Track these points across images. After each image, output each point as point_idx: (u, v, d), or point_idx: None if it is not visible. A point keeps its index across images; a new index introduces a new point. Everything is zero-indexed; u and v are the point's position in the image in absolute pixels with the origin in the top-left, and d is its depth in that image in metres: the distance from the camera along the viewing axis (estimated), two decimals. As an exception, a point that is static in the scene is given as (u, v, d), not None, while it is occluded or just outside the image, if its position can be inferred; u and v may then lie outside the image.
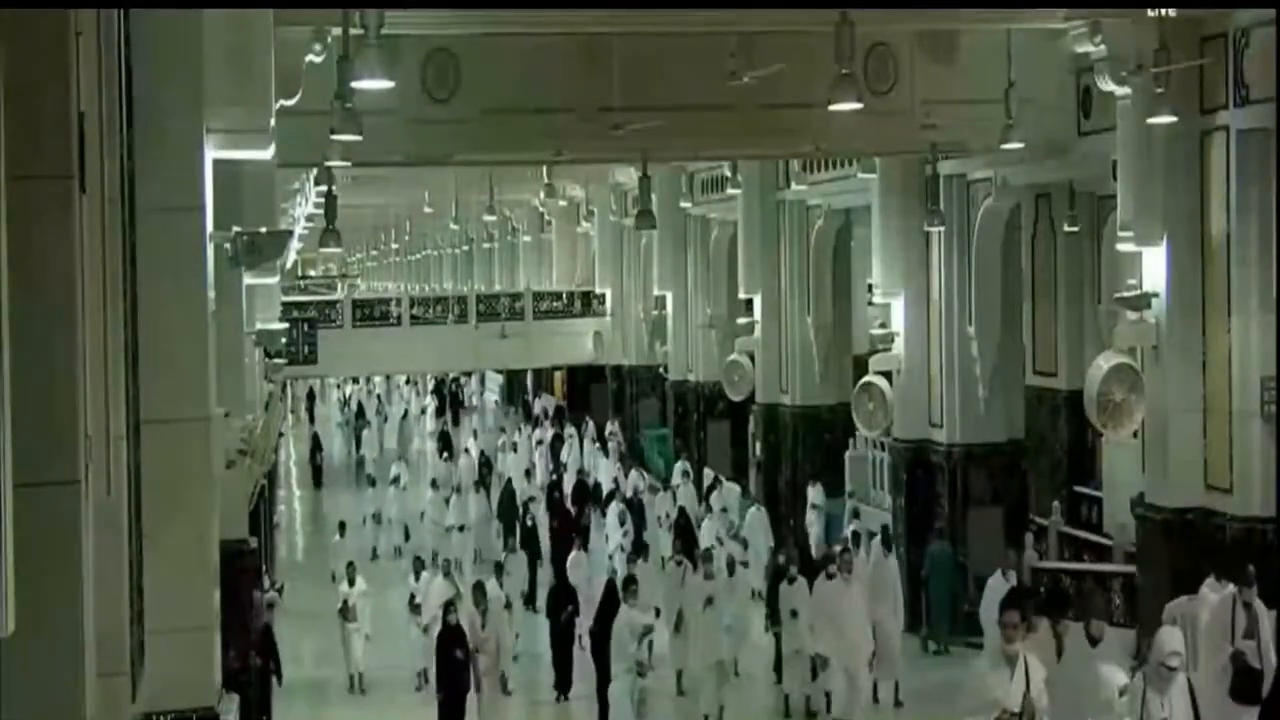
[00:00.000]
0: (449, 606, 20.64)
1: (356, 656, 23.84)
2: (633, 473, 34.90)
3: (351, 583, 24.18)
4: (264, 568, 21.97)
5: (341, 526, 31.02)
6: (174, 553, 8.61)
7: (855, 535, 25.80)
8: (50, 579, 5.35)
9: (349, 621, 23.79)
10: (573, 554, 26.11)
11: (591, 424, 42.95)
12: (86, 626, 5.59)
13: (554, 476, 37.79)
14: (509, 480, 36.12)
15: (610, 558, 28.75)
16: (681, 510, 30.76)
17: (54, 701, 5.44)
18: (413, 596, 23.88)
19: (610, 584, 22.16)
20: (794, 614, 20.60)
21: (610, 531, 30.05)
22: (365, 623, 23.92)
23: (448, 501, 34.24)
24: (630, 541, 28.67)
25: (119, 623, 7.10)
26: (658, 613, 22.00)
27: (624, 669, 19.72)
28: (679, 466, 34.44)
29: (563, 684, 22.40)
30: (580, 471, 37.15)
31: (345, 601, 23.92)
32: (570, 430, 43.09)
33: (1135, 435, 19.80)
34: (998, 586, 19.62)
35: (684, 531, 28.24)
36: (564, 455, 40.60)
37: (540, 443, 42.80)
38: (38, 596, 5.09)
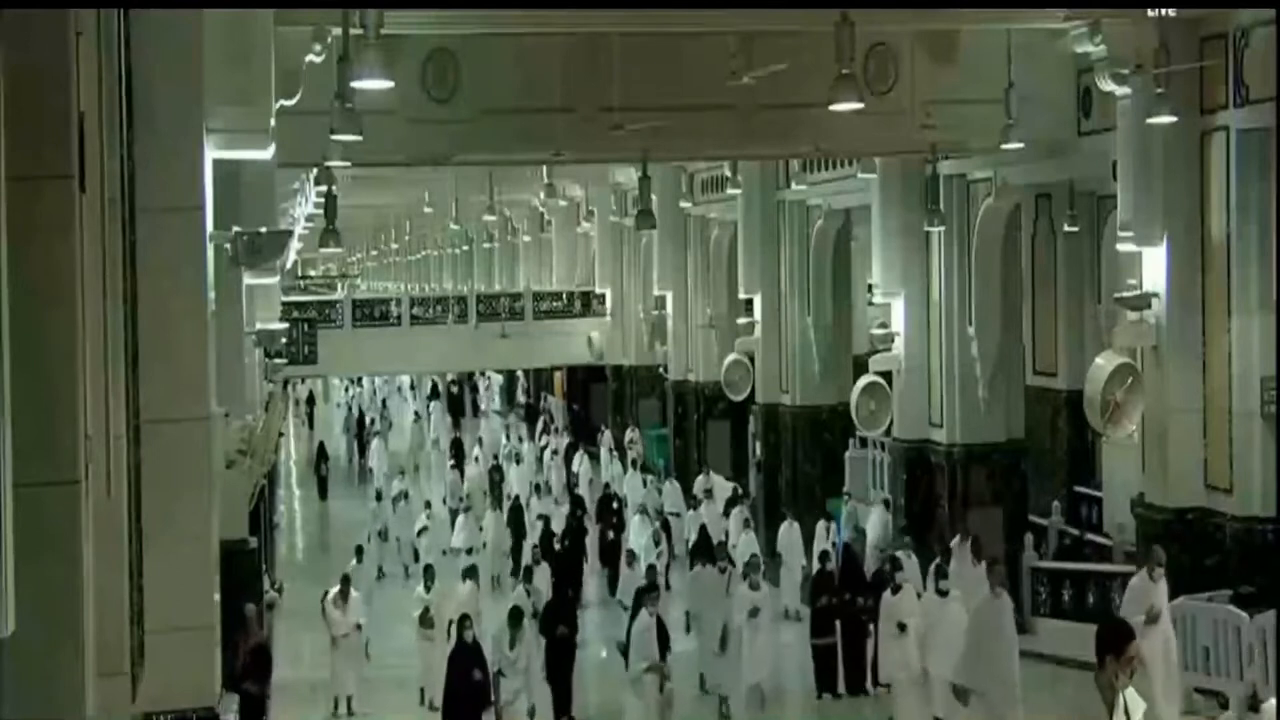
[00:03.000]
0: (464, 621, 18.69)
1: (345, 677, 21.73)
2: (666, 486, 32.99)
3: (345, 595, 21.81)
4: (264, 568, 21.72)
5: (359, 551, 27.62)
6: (174, 553, 8.60)
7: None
8: (50, 579, 5.34)
9: (338, 637, 21.62)
10: (625, 571, 25.02)
11: (608, 433, 41.38)
12: (86, 626, 5.59)
13: (574, 491, 35.17)
14: (516, 497, 33.34)
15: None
16: (702, 529, 28.02)
17: (54, 701, 5.43)
18: (426, 610, 21.79)
19: (640, 595, 20.17)
20: (901, 628, 18.66)
21: (644, 552, 27.34)
22: (358, 639, 21.86)
23: (454, 515, 32.95)
24: (664, 563, 26.44)
25: (119, 623, 7.09)
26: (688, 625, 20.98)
27: (643, 669, 18.29)
28: (700, 481, 32.45)
29: (561, 705, 20.39)
30: (605, 486, 34.40)
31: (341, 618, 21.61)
32: (569, 439, 41.88)
33: (1134, 435, 19.80)
34: (1141, 588, 16.61)
35: (702, 551, 25.05)
36: (576, 466, 38.47)
37: (555, 452, 40.79)
38: (38, 596, 5.09)
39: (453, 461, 40.59)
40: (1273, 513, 17.07)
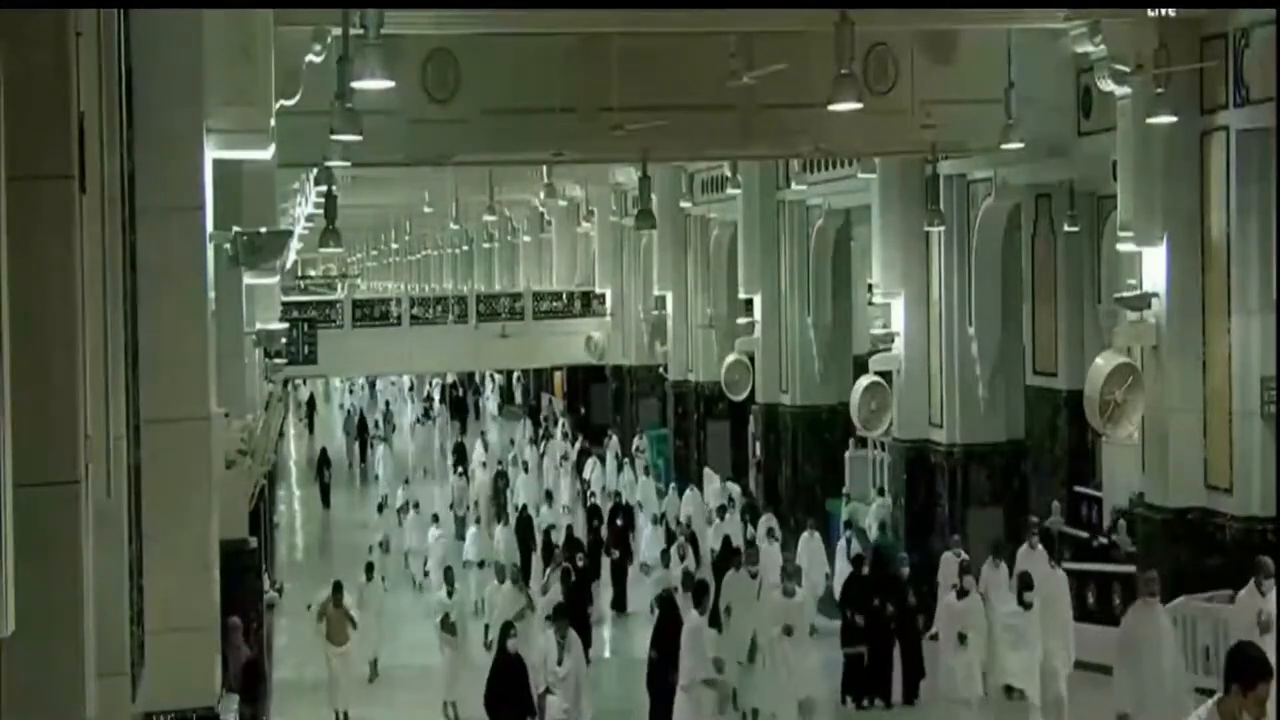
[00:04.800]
0: (509, 629, 17.27)
1: (343, 688, 20.27)
2: (687, 494, 30.98)
3: (337, 601, 20.37)
4: (264, 567, 21.54)
5: (369, 568, 24.40)
6: (174, 553, 8.60)
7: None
8: (50, 579, 5.34)
9: (334, 644, 20.24)
10: (642, 581, 24.12)
11: (615, 439, 39.95)
12: (86, 626, 5.58)
13: (593, 500, 32.69)
14: (524, 507, 31.59)
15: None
16: (726, 540, 25.99)
17: (54, 701, 5.43)
18: (447, 615, 20.62)
19: (667, 603, 18.85)
20: (962, 639, 17.11)
21: (660, 564, 25.64)
22: (364, 647, 20.75)
23: (460, 523, 31.98)
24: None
25: (119, 623, 7.09)
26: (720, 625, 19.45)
27: (700, 680, 16.77)
28: (718, 490, 31.05)
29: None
30: (617, 495, 31.79)
31: (323, 615, 20.32)
32: (581, 444, 40.66)
33: (1134, 435, 19.80)
34: (1248, 602, 14.93)
35: (727, 561, 23.10)
36: (588, 473, 36.67)
37: (565, 458, 38.96)
38: (38, 596, 5.08)
39: (460, 469, 38.88)
40: (1273, 513, 17.06)
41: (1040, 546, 19.72)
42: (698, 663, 16.71)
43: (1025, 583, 16.80)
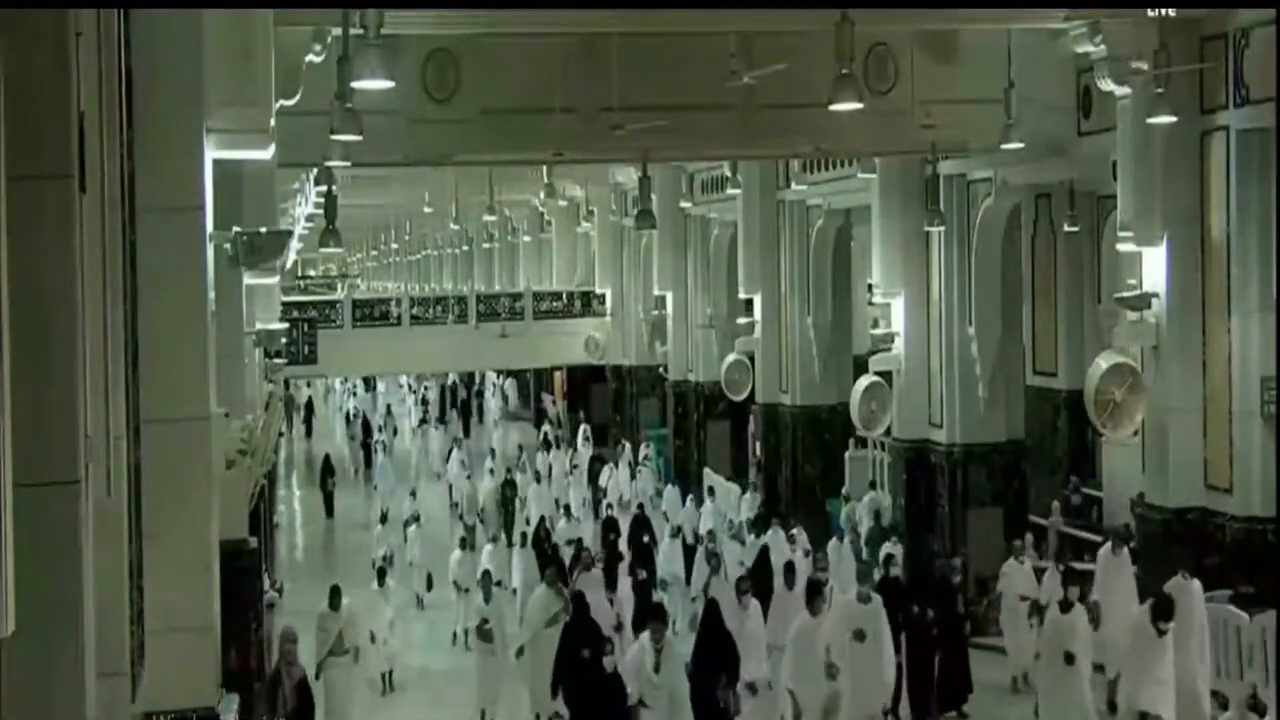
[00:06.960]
0: (606, 647, 15.93)
1: (344, 707, 19.05)
2: (706, 506, 29.39)
3: (334, 605, 19.11)
4: (264, 568, 21.41)
5: (381, 574, 23.42)
6: (174, 553, 8.61)
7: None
8: (50, 579, 5.35)
9: (335, 654, 18.94)
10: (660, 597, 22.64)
11: (627, 446, 38.64)
12: (86, 626, 5.59)
13: (609, 512, 30.97)
14: (541, 520, 30.00)
15: (693, 600, 23.63)
16: (764, 551, 23.72)
17: (54, 701, 5.44)
18: (483, 622, 20.05)
19: (710, 608, 17.75)
20: (1069, 659, 15.84)
21: (679, 580, 25.15)
22: (367, 658, 19.65)
23: (471, 531, 31.31)
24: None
25: (119, 623, 7.10)
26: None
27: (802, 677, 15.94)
28: (747, 499, 29.83)
29: None
30: (640, 507, 30.34)
31: (338, 632, 18.92)
32: (592, 451, 39.55)
33: (1135, 435, 19.80)
34: None
35: (764, 579, 21.07)
36: (604, 481, 35.09)
37: (575, 467, 37.39)
38: (38, 596, 5.09)
39: (468, 477, 37.04)
40: (1273, 513, 17.06)
41: (1125, 551, 18.89)
42: (804, 664, 15.89)
43: (1165, 610, 14.79)
